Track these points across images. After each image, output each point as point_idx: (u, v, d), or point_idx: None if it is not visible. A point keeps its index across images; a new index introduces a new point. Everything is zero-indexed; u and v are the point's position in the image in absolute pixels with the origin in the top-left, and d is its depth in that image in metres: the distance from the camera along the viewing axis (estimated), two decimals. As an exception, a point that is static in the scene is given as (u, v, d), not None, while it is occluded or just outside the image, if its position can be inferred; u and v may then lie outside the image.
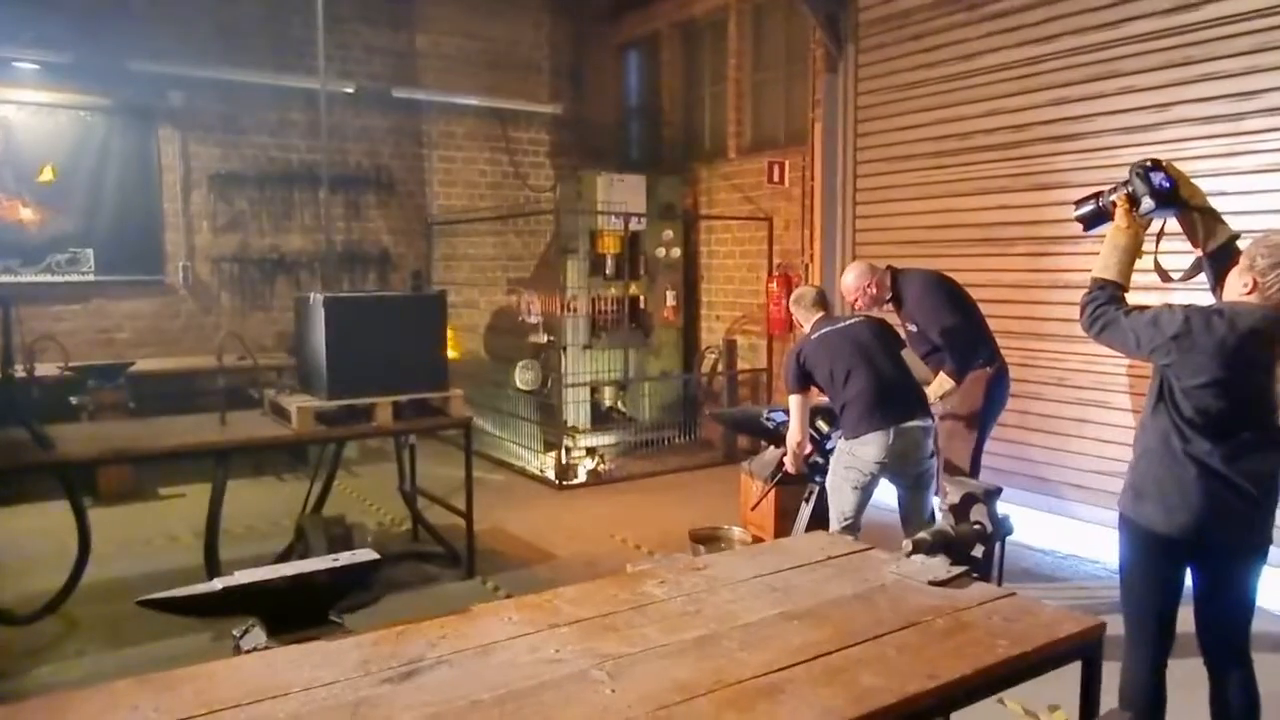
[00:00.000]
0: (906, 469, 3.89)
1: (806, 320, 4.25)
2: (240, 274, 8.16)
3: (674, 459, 7.94)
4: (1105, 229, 2.92)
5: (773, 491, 4.67)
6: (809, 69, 7.52)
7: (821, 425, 4.40)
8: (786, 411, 4.64)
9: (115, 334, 7.76)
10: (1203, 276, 2.80)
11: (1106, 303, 2.59)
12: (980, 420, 4.65)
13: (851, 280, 4.75)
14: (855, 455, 3.89)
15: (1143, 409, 2.67)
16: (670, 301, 8.49)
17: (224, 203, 8.06)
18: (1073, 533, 5.69)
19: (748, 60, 8.36)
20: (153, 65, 7.50)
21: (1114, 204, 2.72)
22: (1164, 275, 2.67)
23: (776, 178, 7.72)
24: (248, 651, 1.99)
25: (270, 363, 7.04)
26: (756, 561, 2.45)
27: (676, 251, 8.50)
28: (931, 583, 2.24)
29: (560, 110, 9.53)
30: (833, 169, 7.39)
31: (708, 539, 4.84)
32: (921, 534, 2.31)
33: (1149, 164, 2.65)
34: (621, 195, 7.94)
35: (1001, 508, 2.50)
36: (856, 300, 4.73)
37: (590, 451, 7.80)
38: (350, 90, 8.07)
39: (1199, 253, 2.74)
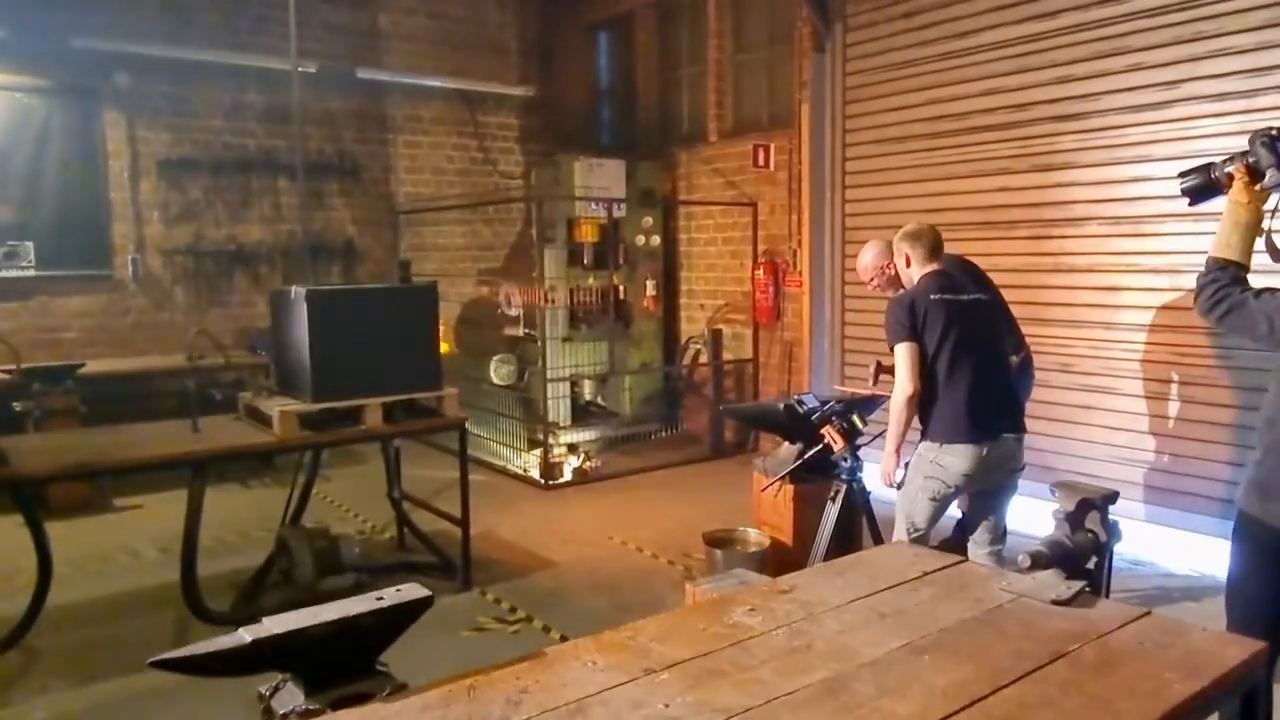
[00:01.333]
0: (992, 481, 3.55)
1: (919, 264, 3.59)
2: (195, 267, 7.66)
3: (659, 454, 7.67)
4: (1211, 204, 2.68)
5: (791, 490, 4.41)
6: (795, 49, 7.27)
7: (855, 420, 4.12)
8: (823, 400, 4.36)
9: (61, 333, 7.21)
10: None
11: (1229, 284, 2.36)
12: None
13: (869, 259, 4.40)
14: (940, 465, 3.50)
15: (1267, 400, 2.45)
16: (650, 291, 8.21)
17: (176, 191, 7.54)
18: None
19: (728, 40, 8.08)
20: (96, 42, 6.95)
21: (1230, 175, 2.48)
22: (1277, 253, 2.44)
23: (762, 161, 7.47)
24: (284, 717, 1.67)
25: (237, 362, 6.58)
26: (846, 580, 2.18)
27: (656, 239, 8.21)
28: (1055, 602, 2.00)
29: (530, 93, 9.16)
30: (821, 152, 7.17)
31: (723, 542, 4.58)
32: (1038, 547, 2.08)
33: (1274, 131, 2.42)
34: (600, 180, 7.62)
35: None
36: (873, 280, 4.44)
37: (571, 448, 7.49)
38: (312, 70, 7.60)
39: None
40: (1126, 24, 5.35)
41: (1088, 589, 2.08)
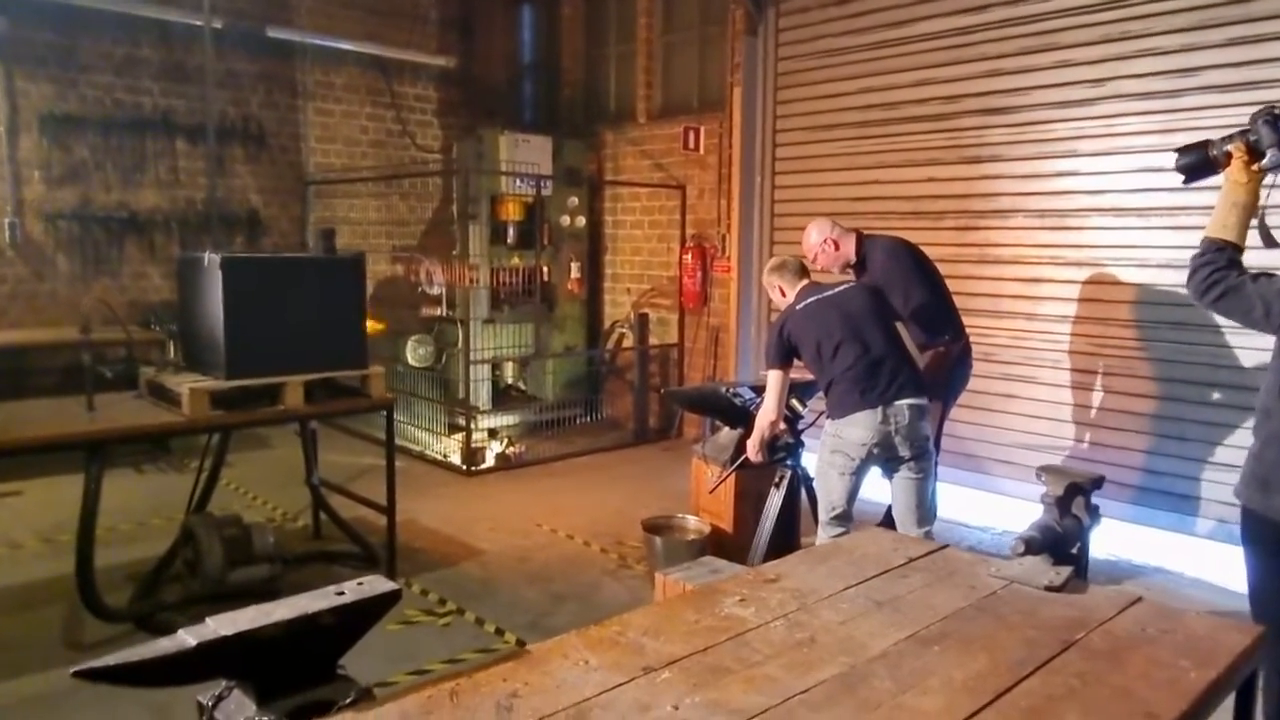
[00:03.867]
0: (899, 453, 3.60)
1: (790, 289, 3.89)
2: (81, 233, 7.05)
3: (582, 440, 7.51)
4: (1203, 183, 2.65)
5: (732, 476, 4.32)
6: (727, 30, 7.18)
7: (795, 404, 4.08)
8: (755, 389, 4.33)
9: (-76, 303, 6.53)
10: None
11: (1226, 266, 2.33)
12: (942, 398, 4.49)
13: (814, 235, 4.47)
14: (841, 438, 3.58)
15: (1263, 391, 2.44)
16: (575, 273, 8.02)
17: (60, 150, 6.92)
18: (1003, 509, 5.68)
19: (659, 19, 7.94)
20: (-31, -18, 6.31)
21: (1228, 154, 2.44)
22: (1269, 239, 2.43)
23: (692, 144, 7.37)
24: (236, 729, 1.45)
25: (133, 337, 6.08)
26: (831, 568, 2.09)
27: (582, 220, 8.01)
28: (1048, 588, 1.95)
29: (450, 64, 8.80)
30: (752, 136, 7.11)
31: (662, 529, 4.47)
32: (1030, 532, 2.02)
33: (1276, 110, 2.39)
34: (527, 156, 7.37)
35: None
36: (816, 257, 4.46)
37: (492, 433, 7.25)
38: (217, 25, 7.08)
39: None
40: (1055, 20, 5.45)
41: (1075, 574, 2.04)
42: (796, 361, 3.80)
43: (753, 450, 3.94)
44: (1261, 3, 4.68)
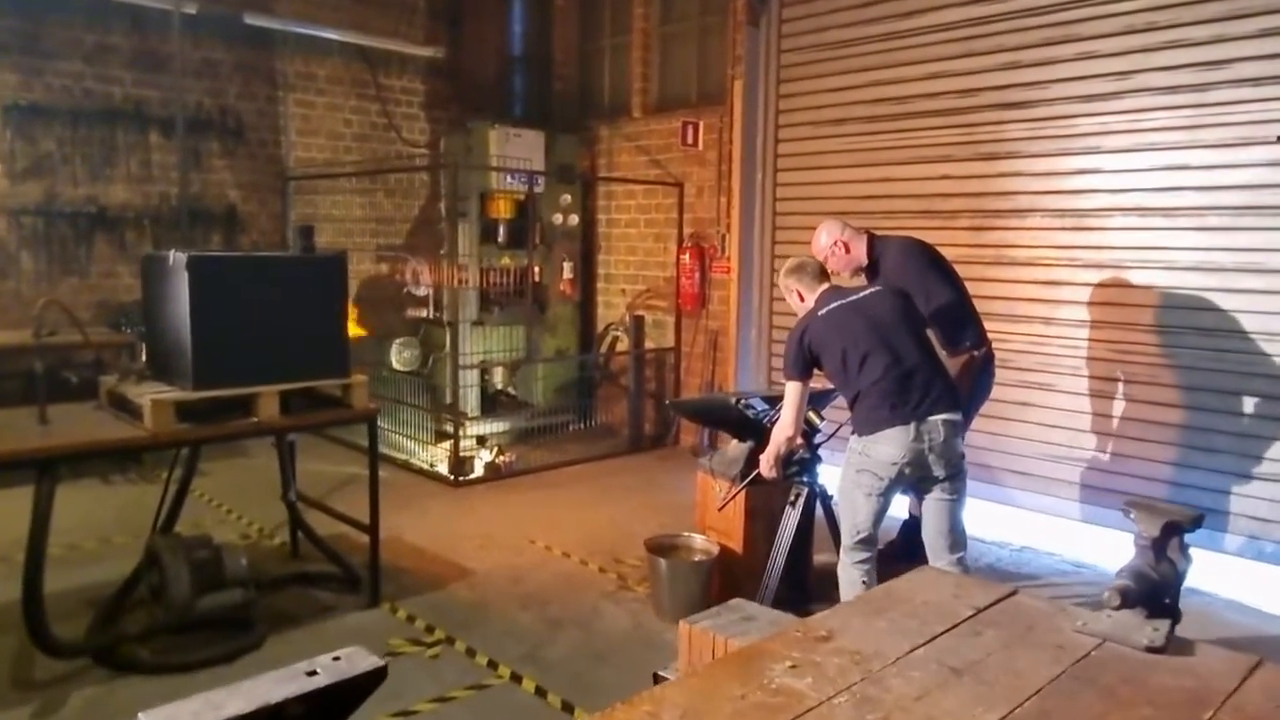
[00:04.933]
0: (933, 473, 3.31)
1: (809, 293, 3.59)
2: (47, 230, 6.68)
3: (575, 448, 7.20)
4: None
5: (742, 493, 4.02)
6: (728, 21, 6.89)
7: (811, 416, 3.79)
8: (767, 400, 4.04)
9: (-125, 302, 6.15)
10: None
11: None
12: (964, 410, 4.20)
13: (823, 237, 4.20)
14: (869, 456, 3.29)
15: None
16: (567, 274, 7.71)
17: (24, 141, 6.54)
18: (1020, 523, 5.43)
19: (656, 9, 7.63)
20: (-75, -38, 5.94)
21: None
22: None
23: (690, 140, 7.08)
24: None
25: (98, 341, 5.74)
26: (891, 622, 1.79)
27: (575, 218, 7.71)
28: (1150, 649, 1.66)
29: (437, 55, 8.46)
30: (753, 132, 6.82)
31: (667, 549, 4.16)
32: (1124, 580, 1.73)
33: None
34: (519, 152, 7.06)
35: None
36: (827, 259, 4.18)
37: (480, 440, 6.93)
38: (191, 11, 6.72)
39: None
40: (1077, 10, 5.19)
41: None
42: (817, 372, 3.51)
43: (766, 466, 3.65)
44: (1297, -9, 4.44)
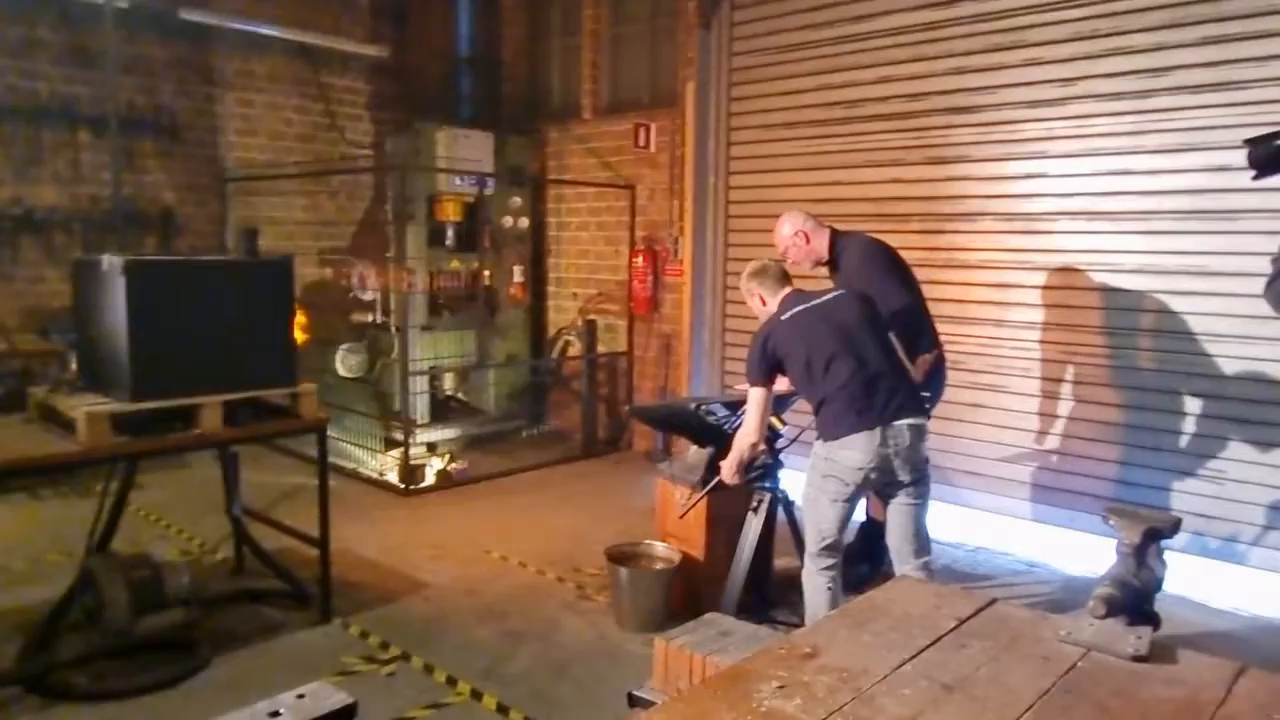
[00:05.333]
0: (898, 478, 3.30)
1: (772, 297, 3.56)
2: (-32, 233, 6.35)
3: (528, 454, 7.09)
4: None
5: (703, 500, 3.98)
6: (679, 23, 6.86)
7: (773, 420, 3.76)
8: (728, 405, 4.00)
9: None
10: None
11: None
12: (923, 412, 4.22)
13: (785, 227, 4.19)
14: (835, 461, 3.26)
15: None
16: (518, 277, 7.60)
17: (-57, 140, 6.21)
18: (973, 524, 5.48)
19: (607, 11, 7.56)
20: None
21: None
22: None
23: (642, 142, 7.03)
24: None
25: (26, 349, 5.48)
26: (875, 635, 1.75)
27: (525, 221, 7.60)
28: (1135, 658, 1.65)
29: (382, 54, 8.27)
30: (705, 135, 6.80)
31: (628, 558, 4.09)
32: (1108, 588, 1.72)
33: None
34: (468, 154, 6.94)
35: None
36: (787, 251, 4.18)
37: (430, 448, 6.79)
38: (123, 5, 6.44)
39: None
40: (1025, 17, 5.27)
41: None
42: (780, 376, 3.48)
43: (729, 472, 3.61)
44: (1234, 1, 4.55)
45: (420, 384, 6.75)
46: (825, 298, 3.47)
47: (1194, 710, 1.47)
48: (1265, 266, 4.34)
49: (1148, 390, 4.94)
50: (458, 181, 6.87)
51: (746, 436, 3.48)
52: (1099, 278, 5.10)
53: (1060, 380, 5.28)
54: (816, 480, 3.33)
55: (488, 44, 8.48)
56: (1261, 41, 4.47)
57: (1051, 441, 5.33)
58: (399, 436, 6.32)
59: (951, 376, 5.54)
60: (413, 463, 6.22)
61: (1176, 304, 4.82)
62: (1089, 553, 5.00)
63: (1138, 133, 4.93)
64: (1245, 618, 4.34)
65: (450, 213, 7.01)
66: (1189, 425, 4.82)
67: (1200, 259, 4.72)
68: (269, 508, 5.22)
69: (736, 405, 3.99)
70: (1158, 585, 1.82)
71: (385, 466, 6.38)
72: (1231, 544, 4.70)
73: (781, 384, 3.58)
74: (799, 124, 6.31)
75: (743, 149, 6.68)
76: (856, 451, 3.21)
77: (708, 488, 3.85)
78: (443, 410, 7.30)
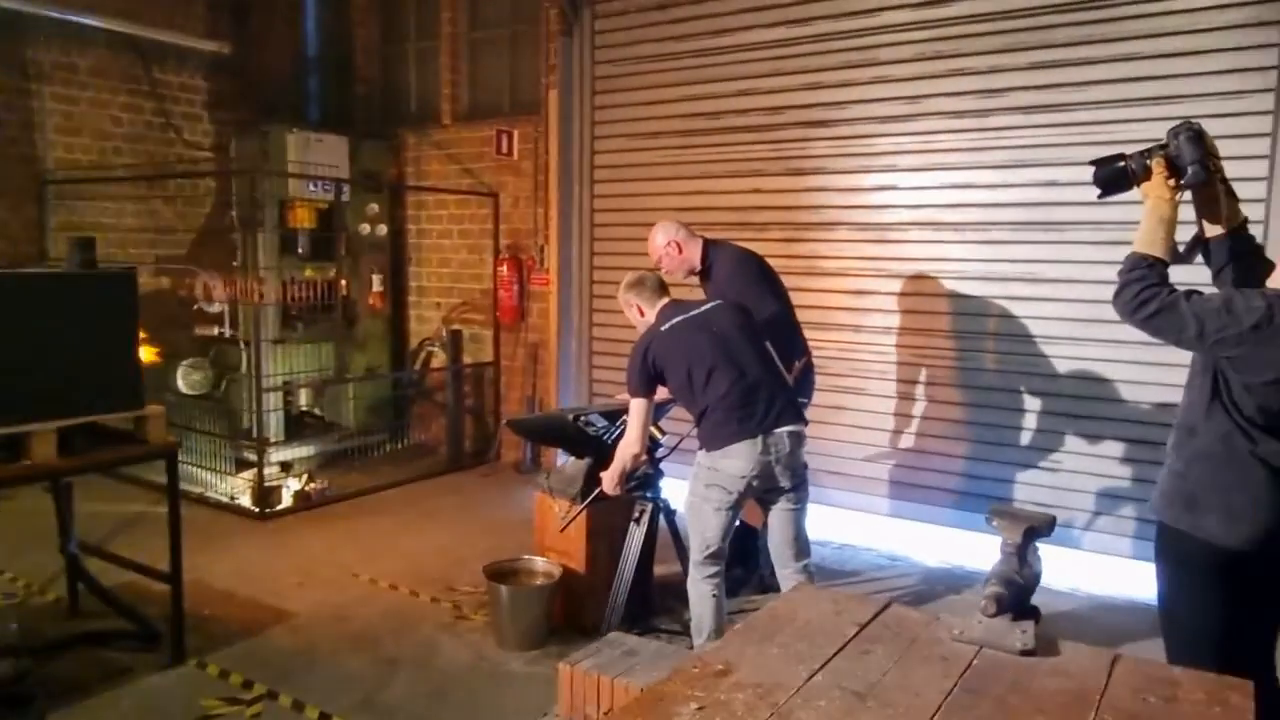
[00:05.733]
0: (779, 484, 3.37)
1: (649, 308, 3.57)
2: None
3: (391, 470, 6.84)
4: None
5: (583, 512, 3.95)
6: (541, 30, 6.80)
7: (654, 430, 3.77)
8: (606, 415, 3.98)
9: None
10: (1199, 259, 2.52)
11: (1158, 283, 2.22)
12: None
13: (659, 237, 4.23)
14: (718, 471, 3.30)
15: (1184, 409, 2.37)
16: (376, 287, 7.33)
17: None
18: (837, 522, 5.68)
19: (464, 15, 7.40)
20: None
21: (1147, 169, 2.36)
22: (1175, 254, 2.36)
23: (505, 149, 6.92)
24: None
25: None
26: (782, 647, 1.77)
27: (383, 228, 7.34)
28: (1024, 653, 1.74)
29: (222, 50, 7.77)
30: (569, 143, 6.77)
31: (507, 575, 4.00)
32: (997, 588, 1.81)
33: (1196, 126, 2.33)
34: (321, 158, 6.63)
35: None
36: (660, 261, 4.22)
37: (285, 467, 6.43)
38: (-81, -13, 5.79)
39: (1213, 231, 2.44)
40: (873, 37, 5.53)
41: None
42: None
43: (611, 483, 3.60)
44: (1060, 30, 4.94)
45: (273, 400, 6.38)
46: (703, 309, 3.52)
47: (1082, 699, 1.57)
48: (1091, 274, 4.81)
49: (992, 390, 5.29)
50: (311, 187, 6.55)
51: (629, 447, 3.48)
52: (946, 284, 5.42)
53: (914, 382, 5.57)
54: (700, 489, 3.36)
55: (338, 44, 8.15)
56: (1082, 68, 4.87)
57: (907, 440, 5.61)
58: (251, 457, 5.96)
59: (816, 380, 5.78)
60: (267, 484, 5.88)
61: (1015, 309, 5.18)
62: (944, 545, 5.31)
63: (977, 149, 5.26)
64: (1082, 598, 4.70)
65: (303, 219, 6.68)
66: (1029, 421, 5.18)
67: (1034, 266, 5.09)
68: (105, 540, 4.79)
69: (615, 415, 3.99)
70: (1037, 580, 1.93)
71: (237, 489, 6.00)
72: (1068, 530, 5.08)
73: (661, 392, 3.60)
74: (663, 134, 6.39)
75: (607, 158, 6.70)
76: (739, 460, 3.26)
77: (588, 500, 3.82)
78: (298, 427, 6.94)
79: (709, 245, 4.28)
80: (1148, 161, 2.37)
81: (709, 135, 6.18)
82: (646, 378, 3.39)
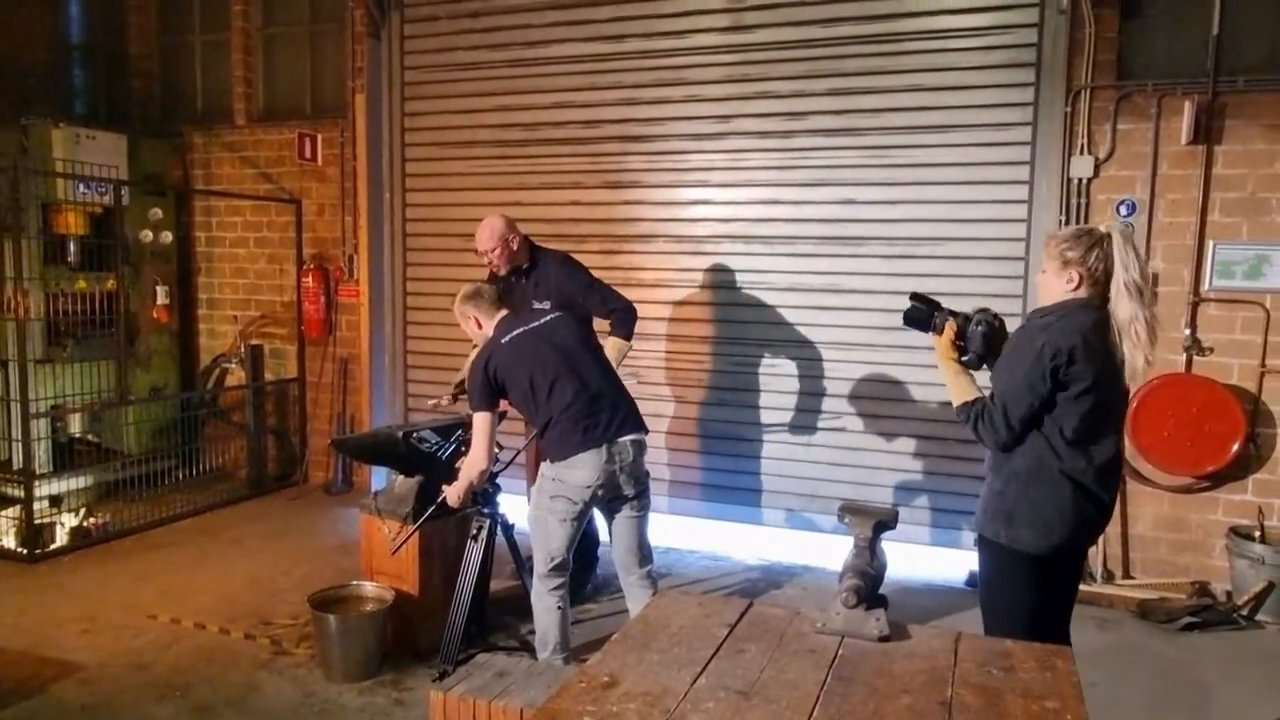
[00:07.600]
0: (623, 492, 3.41)
1: (487, 320, 3.50)
2: None
3: (184, 498, 6.28)
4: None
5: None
6: (346, 30, 6.52)
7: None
8: (437, 430, 3.87)
9: None
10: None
11: (982, 412, 2.56)
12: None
13: (500, 227, 4.23)
14: (564, 482, 3.30)
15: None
16: (161, 299, 6.71)
17: None
18: (663, 527, 5.76)
19: (257, 8, 6.95)
20: None
21: (944, 327, 2.73)
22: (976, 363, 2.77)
23: (308, 154, 6.57)
24: None
25: None
26: (661, 653, 1.80)
27: (168, 236, 6.74)
28: (881, 639, 1.87)
29: (-36, 34, 6.86)
30: (379, 149, 6.54)
31: (334, 603, 3.78)
32: (855, 580, 1.93)
33: (996, 322, 2.68)
34: (94, 157, 5.99)
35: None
36: (493, 252, 4.24)
37: (55, 501, 5.76)
38: None
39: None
40: (685, 57, 5.74)
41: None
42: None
43: (455, 497, 3.51)
44: (854, 60, 5.35)
45: (41, 428, 5.68)
46: (543, 320, 3.51)
47: (939, 676, 1.71)
48: (886, 285, 5.24)
49: (801, 394, 5.62)
50: (83, 189, 5.90)
51: (476, 464, 3.40)
52: (758, 295, 5.70)
53: (731, 389, 5.80)
54: (545, 501, 3.34)
55: (109, 32, 7.40)
56: (874, 96, 5.30)
57: (724, 445, 5.85)
58: (15, 492, 5.28)
59: (636, 390, 5.86)
60: (37, 522, 5.23)
61: (819, 318, 5.54)
62: (760, 543, 5.59)
63: (784, 168, 5.59)
64: (889, 584, 5.07)
65: (72, 224, 6.00)
66: (836, 422, 5.55)
67: (836, 278, 5.47)
68: None
69: (448, 431, 3.90)
70: (884, 571, 2.09)
71: (1, 530, 5.29)
72: (871, 522, 5.49)
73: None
74: (477, 143, 6.30)
75: (420, 165, 6.52)
76: (585, 470, 3.27)
77: (423, 519, 3.70)
78: (70, 455, 6.22)
79: (534, 246, 4.37)
80: (948, 320, 2.70)
81: (526, 146, 6.16)
82: (489, 391, 3.34)
